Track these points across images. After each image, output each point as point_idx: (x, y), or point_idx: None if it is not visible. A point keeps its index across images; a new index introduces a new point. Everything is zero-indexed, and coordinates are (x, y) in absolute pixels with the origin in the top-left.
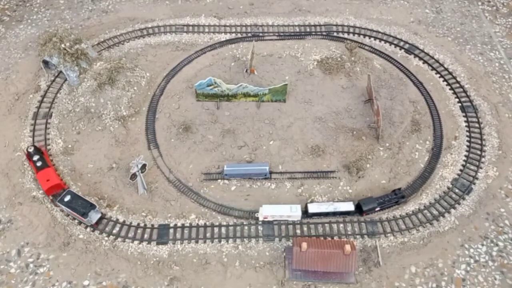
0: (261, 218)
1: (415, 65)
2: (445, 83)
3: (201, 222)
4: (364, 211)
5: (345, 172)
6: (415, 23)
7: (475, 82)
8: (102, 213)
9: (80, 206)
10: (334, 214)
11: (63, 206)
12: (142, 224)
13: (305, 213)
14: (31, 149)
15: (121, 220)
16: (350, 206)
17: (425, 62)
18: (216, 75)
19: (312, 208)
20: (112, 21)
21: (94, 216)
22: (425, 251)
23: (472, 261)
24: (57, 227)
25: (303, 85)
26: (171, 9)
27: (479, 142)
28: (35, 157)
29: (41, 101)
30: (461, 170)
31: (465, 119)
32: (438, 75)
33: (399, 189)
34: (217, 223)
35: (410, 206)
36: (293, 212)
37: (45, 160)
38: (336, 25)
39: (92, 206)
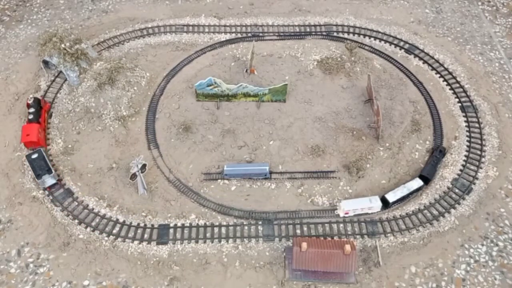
0: (342, 214)
1: (415, 65)
2: (445, 83)
3: (201, 222)
4: (431, 179)
5: (345, 172)
6: (415, 23)
7: (475, 82)
8: (58, 181)
9: (39, 167)
10: (408, 195)
11: (27, 162)
12: (142, 224)
13: (385, 204)
14: (31, 101)
15: (121, 220)
16: (419, 182)
17: (425, 62)
18: (216, 75)
19: (391, 197)
20: (112, 21)
21: (47, 181)
22: (425, 251)
23: (472, 261)
24: (57, 227)
25: (303, 85)
26: (171, 9)
27: (479, 142)
28: (31, 109)
29: None
30: (461, 170)
31: (465, 119)
32: (438, 75)
33: (437, 147)
34: (217, 223)
35: (410, 206)
36: (373, 204)
37: (39, 115)
38: (336, 25)
39: (48, 171)
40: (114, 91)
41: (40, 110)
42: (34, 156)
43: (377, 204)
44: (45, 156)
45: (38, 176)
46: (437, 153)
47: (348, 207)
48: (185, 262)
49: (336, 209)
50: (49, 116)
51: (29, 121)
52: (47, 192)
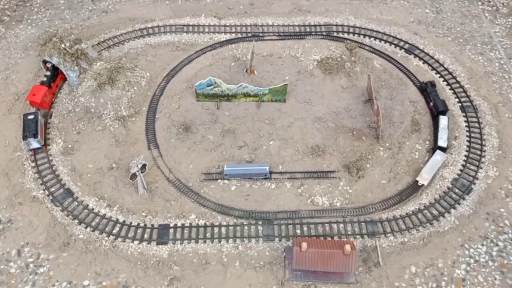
0: (426, 183)
1: (415, 65)
2: (445, 83)
3: (201, 222)
4: (448, 109)
5: (345, 172)
6: (415, 23)
7: (475, 82)
8: (43, 147)
9: (28, 129)
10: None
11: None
12: (142, 224)
13: (443, 151)
14: (50, 64)
15: (121, 220)
16: (446, 117)
17: (425, 62)
18: (216, 75)
19: (443, 143)
20: (112, 21)
21: (32, 143)
22: (425, 251)
23: (472, 261)
24: (57, 227)
25: (303, 85)
26: (171, 9)
27: (479, 142)
28: (47, 73)
29: None
30: (461, 170)
31: (465, 119)
32: (438, 75)
33: (426, 83)
34: (217, 223)
35: (410, 206)
36: (443, 157)
37: (53, 80)
38: (336, 25)
39: (35, 135)
40: (114, 91)
41: (56, 76)
42: (30, 117)
43: (444, 156)
44: (39, 120)
45: (24, 137)
46: (430, 88)
47: (429, 174)
48: (185, 262)
49: (418, 180)
50: (49, 116)
51: (41, 83)
52: (47, 192)
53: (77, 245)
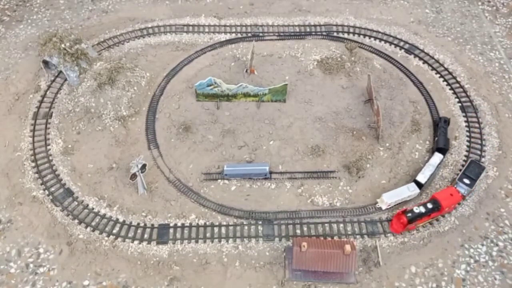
0: (385, 207)
1: (415, 65)
2: (445, 83)
3: (201, 222)
4: (448, 149)
5: (345, 172)
6: (415, 23)
7: (475, 82)
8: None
9: None
10: (434, 172)
11: None
12: (142, 224)
13: (419, 187)
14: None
15: (121, 220)
16: (440, 156)
17: (425, 62)
18: (216, 75)
19: (421, 178)
20: (112, 21)
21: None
22: (425, 251)
23: (472, 261)
24: (57, 227)
25: (303, 85)
26: (171, 9)
27: (479, 142)
28: None
29: (41, 101)
30: (460, 170)
31: (465, 119)
32: (438, 75)
33: (440, 118)
34: (217, 223)
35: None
36: (412, 191)
37: None
38: (336, 25)
39: None
40: (114, 91)
41: None
42: None
43: (415, 191)
44: None
45: None
46: (443, 123)
47: (390, 200)
48: (185, 262)
49: (377, 202)
50: (49, 116)
51: None
52: (47, 192)
53: (77, 245)
